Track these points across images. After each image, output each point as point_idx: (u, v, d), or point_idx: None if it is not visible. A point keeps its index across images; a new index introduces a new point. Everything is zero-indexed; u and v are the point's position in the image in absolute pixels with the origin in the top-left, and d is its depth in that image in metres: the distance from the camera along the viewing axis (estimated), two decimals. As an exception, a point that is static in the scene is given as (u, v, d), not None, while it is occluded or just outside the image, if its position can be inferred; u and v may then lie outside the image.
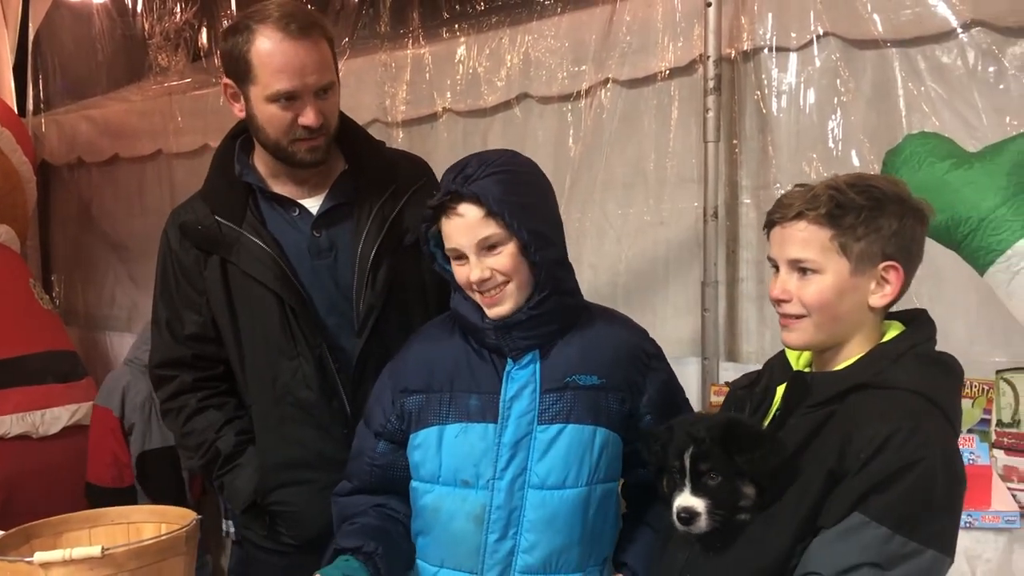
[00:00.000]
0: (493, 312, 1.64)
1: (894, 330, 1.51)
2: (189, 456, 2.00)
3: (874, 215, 1.42)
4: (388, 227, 1.92)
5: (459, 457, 1.64)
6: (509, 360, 1.67)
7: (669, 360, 3.23)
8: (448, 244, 1.64)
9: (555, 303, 1.66)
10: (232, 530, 3.48)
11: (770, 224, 1.51)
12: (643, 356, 1.77)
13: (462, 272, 1.64)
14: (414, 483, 1.70)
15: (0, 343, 4.09)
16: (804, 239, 1.44)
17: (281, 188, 1.95)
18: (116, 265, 5.38)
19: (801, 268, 1.45)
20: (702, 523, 1.39)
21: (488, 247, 1.60)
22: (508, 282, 1.62)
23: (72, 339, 4.75)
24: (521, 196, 1.61)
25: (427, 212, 1.64)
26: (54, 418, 4.14)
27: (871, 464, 1.32)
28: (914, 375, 1.41)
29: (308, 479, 1.92)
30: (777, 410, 1.51)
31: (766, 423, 1.52)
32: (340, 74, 1.96)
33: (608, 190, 3.35)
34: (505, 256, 1.61)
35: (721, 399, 2.96)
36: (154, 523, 1.71)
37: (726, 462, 1.39)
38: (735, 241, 3.11)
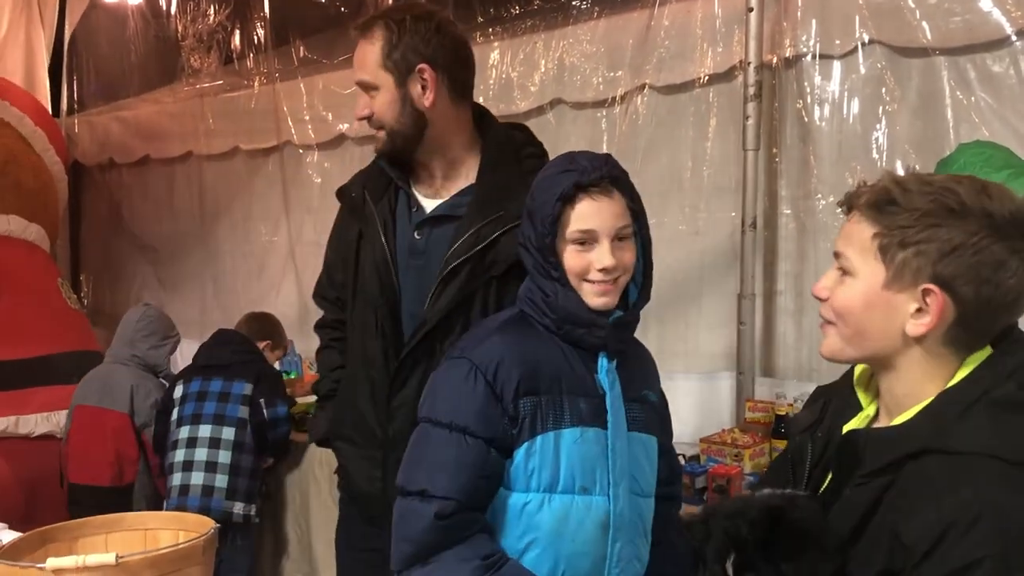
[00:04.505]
0: (600, 301, 1.61)
1: (970, 363, 1.20)
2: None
3: (934, 223, 1.15)
4: (478, 250, 1.90)
5: (578, 463, 1.59)
6: (602, 362, 1.63)
7: (702, 374, 3.22)
8: (583, 225, 1.59)
9: None
10: None
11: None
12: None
13: (582, 258, 1.60)
14: (523, 494, 1.59)
15: (27, 342, 4.10)
16: (848, 232, 1.24)
17: (415, 181, 2.03)
18: (144, 267, 5.39)
19: (840, 266, 1.25)
20: None
21: (619, 238, 1.62)
22: (620, 277, 1.63)
23: (98, 340, 4.75)
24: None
25: (567, 189, 1.60)
26: (79, 418, 4.12)
27: (923, 566, 1.09)
28: (986, 432, 1.13)
29: (354, 440, 2.08)
30: (831, 477, 1.31)
31: (824, 486, 1.33)
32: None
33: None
34: (629, 251, 1.63)
35: (756, 415, 2.91)
36: (171, 530, 1.66)
37: (774, 572, 1.23)
38: (773, 253, 3.04)
